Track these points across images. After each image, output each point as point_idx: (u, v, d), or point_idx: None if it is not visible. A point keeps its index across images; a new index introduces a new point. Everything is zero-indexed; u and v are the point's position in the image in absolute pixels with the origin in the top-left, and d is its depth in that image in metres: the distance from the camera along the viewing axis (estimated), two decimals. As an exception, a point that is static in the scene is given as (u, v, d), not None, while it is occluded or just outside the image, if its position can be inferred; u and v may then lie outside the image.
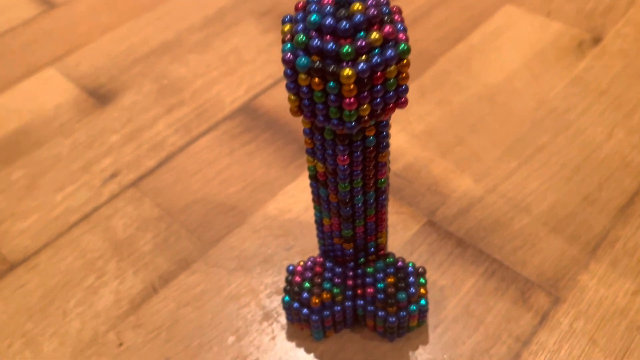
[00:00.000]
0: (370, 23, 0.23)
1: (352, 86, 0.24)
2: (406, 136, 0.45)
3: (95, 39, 0.58)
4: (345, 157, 0.28)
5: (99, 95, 0.52)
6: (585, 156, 0.43)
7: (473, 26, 0.54)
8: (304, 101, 0.25)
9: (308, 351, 0.34)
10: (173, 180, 0.45)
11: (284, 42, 0.25)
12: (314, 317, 0.33)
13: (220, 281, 0.38)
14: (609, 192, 0.41)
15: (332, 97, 0.24)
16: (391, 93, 0.25)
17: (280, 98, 0.50)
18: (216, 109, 0.50)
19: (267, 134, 0.47)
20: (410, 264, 0.34)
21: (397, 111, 0.47)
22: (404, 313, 0.32)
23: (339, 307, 0.33)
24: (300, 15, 0.25)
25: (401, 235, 0.39)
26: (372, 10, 0.23)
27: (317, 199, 0.32)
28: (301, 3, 0.25)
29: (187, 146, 0.47)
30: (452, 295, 0.36)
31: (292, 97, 0.25)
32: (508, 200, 0.41)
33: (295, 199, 0.42)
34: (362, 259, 0.34)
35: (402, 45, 0.24)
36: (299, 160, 0.45)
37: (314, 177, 0.30)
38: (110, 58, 0.56)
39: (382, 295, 0.32)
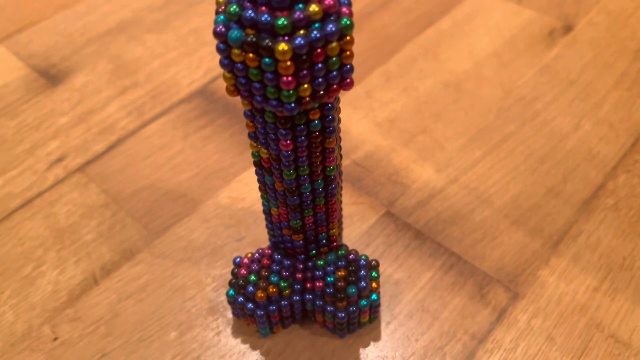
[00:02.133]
0: (309, -6, 0.21)
1: (289, 63, 0.22)
2: (368, 123, 0.44)
3: (49, 16, 0.55)
4: (288, 142, 0.26)
5: (50, 75, 0.49)
6: (552, 147, 0.42)
7: (443, 11, 0.52)
8: (240, 79, 0.23)
9: (254, 348, 0.32)
10: (122, 166, 0.42)
11: (217, 13, 0.23)
12: (259, 312, 0.31)
13: (165, 272, 0.36)
14: (574, 184, 0.39)
15: (268, 74, 0.22)
16: (334, 72, 0.23)
17: (240, 81, 0.48)
18: (172, 92, 0.47)
19: (223, 118, 0.45)
20: (363, 257, 0.32)
21: (360, 97, 0.45)
22: (354, 308, 0.31)
23: (286, 302, 0.31)
24: (235, -16, 0.22)
25: (358, 226, 0.38)
26: (312, -20, 0.21)
27: (264, 187, 0.30)
28: (237, -29, 0.23)
29: (139, 130, 0.45)
30: (408, 290, 0.34)
31: (227, 74, 0.23)
32: (470, 191, 0.39)
33: (249, 187, 0.40)
34: (313, 251, 0.32)
35: (345, 20, 0.22)
36: (255, 146, 0.43)
37: (258, 164, 0.28)
38: (63, 36, 0.53)
39: (331, 290, 0.31)
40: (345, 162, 0.41)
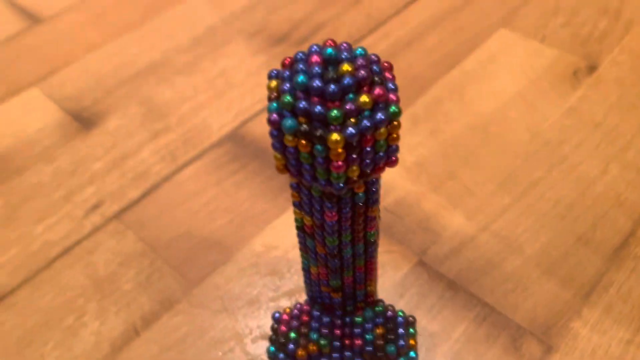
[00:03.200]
0: (359, 85, 0.22)
1: (340, 150, 0.22)
2: (397, 169, 0.44)
3: (80, 58, 0.57)
4: (334, 213, 0.26)
5: (83, 119, 0.51)
6: (580, 192, 0.42)
7: (467, 51, 0.53)
8: (291, 161, 0.24)
9: (294, 402, 0.33)
10: (157, 212, 0.43)
11: (269, 100, 0.24)
12: (300, 369, 0.32)
13: (204, 323, 0.37)
14: (603, 232, 0.40)
15: (319, 159, 0.23)
16: (381, 154, 0.24)
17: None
18: (203, 136, 0.48)
19: (255, 163, 0.46)
20: (400, 313, 0.33)
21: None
22: (393, 366, 0.31)
23: (325, 359, 0.32)
24: (287, 72, 0.23)
25: (391, 276, 0.38)
26: (361, 72, 0.22)
27: (305, 248, 0.31)
28: (288, 59, 0.24)
29: (173, 175, 0.46)
30: (443, 342, 0.35)
31: (278, 155, 0.24)
32: (501, 239, 0.40)
33: (282, 234, 0.41)
34: (350, 307, 0.33)
35: (393, 108, 0.23)
36: (287, 192, 0.44)
37: (301, 229, 0.29)
38: (95, 78, 0.54)
39: (370, 348, 0.31)
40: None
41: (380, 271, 0.38)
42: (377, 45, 0.55)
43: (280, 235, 0.41)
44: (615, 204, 0.41)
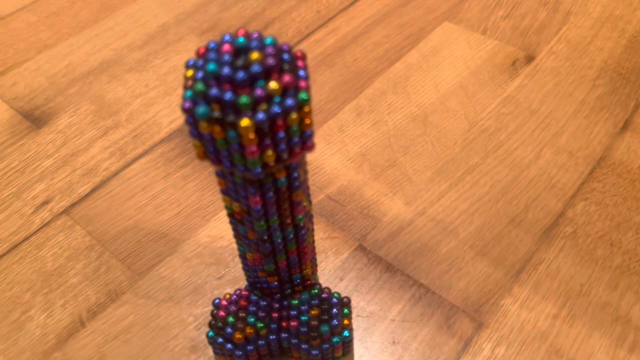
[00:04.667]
0: (268, 72, 0.23)
1: (252, 135, 0.24)
2: (341, 158, 0.46)
3: (33, 57, 0.57)
4: (258, 198, 0.28)
5: (34, 118, 0.51)
6: (514, 177, 0.44)
7: (411, 44, 0.55)
8: (209, 147, 0.25)
9: (234, 384, 0.34)
10: (106, 207, 0.44)
11: (185, 88, 0.25)
12: (238, 353, 0.33)
13: (149, 313, 0.38)
14: (535, 213, 0.42)
15: (234, 145, 0.24)
16: (296, 139, 0.25)
17: (218, 119, 0.50)
18: (153, 131, 0.49)
19: (203, 157, 0.47)
20: (335, 295, 0.34)
21: (333, 132, 0.48)
22: (327, 345, 0.33)
23: (263, 342, 0.33)
24: (201, 62, 0.24)
25: (332, 261, 0.40)
26: (270, 59, 0.23)
27: (238, 235, 0.32)
28: (202, 49, 0.25)
29: (121, 170, 0.46)
30: (379, 322, 0.36)
31: (197, 143, 0.25)
32: (437, 223, 0.41)
33: (228, 226, 0.42)
34: (288, 290, 0.34)
35: (303, 94, 0.24)
36: (234, 184, 0.45)
37: (231, 215, 0.30)
38: (47, 77, 0.55)
39: (305, 329, 0.33)
40: (319, 197, 0.43)
41: (321, 256, 0.40)
42: (325, 40, 0.56)
43: (225, 226, 0.42)
44: (547, 187, 0.43)
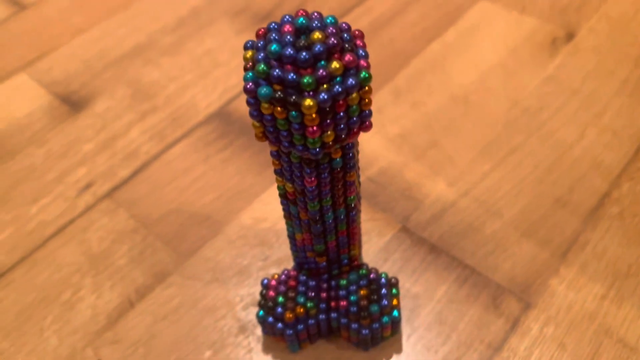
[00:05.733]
0: (330, 52, 0.23)
1: (314, 115, 0.24)
2: (381, 140, 0.46)
3: (67, 42, 0.57)
4: (313, 179, 0.28)
5: (72, 102, 0.51)
6: (557, 157, 0.43)
7: (448, 23, 0.54)
8: (268, 128, 0.25)
9: (284, 363, 0.35)
10: (148, 190, 0.44)
11: (245, 69, 0.25)
12: (289, 332, 0.33)
13: (196, 294, 0.38)
14: (580, 194, 0.41)
15: (295, 125, 0.24)
16: (355, 118, 0.25)
17: (255, 102, 0.50)
18: (190, 114, 0.49)
19: (242, 139, 0.47)
20: (383, 275, 0.34)
21: (372, 115, 0.47)
22: (377, 325, 0.33)
23: (312, 321, 0.33)
24: (262, 42, 0.24)
25: (375, 242, 0.40)
26: (332, 39, 0.23)
27: (289, 215, 0.32)
28: (262, 30, 0.25)
29: (161, 154, 0.47)
30: (426, 303, 0.37)
31: (256, 123, 0.25)
32: (480, 204, 0.41)
33: (270, 207, 0.42)
34: (336, 271, 0.35)
35: (364, 73, 0.24)
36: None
37: (283, 196, 0.30)
38: (82, 62, 0.55)
39: (355, 308, 0.33)
40: (360, 179, 0.43)
41: (364, 238, 0.40)
42: (360, 21, 0.55)
43: (268, 208, 0.42)
44: (591, 167, 0.43)
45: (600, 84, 0.48)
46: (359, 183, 0.32)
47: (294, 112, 0.24)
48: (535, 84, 0.48)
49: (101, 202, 0.44)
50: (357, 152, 0.31)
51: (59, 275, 0.40)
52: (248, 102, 0.24)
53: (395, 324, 0.34)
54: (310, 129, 0.24)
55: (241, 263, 0.39)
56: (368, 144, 0.45)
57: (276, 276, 0.35)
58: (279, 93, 0.23)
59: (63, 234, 0.42)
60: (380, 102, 0.48)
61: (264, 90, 0.23)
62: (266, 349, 0.35)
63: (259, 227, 0.41)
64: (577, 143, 0.44)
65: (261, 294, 0.34)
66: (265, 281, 0.35)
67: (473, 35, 0.53)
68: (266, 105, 0.24)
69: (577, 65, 0.49)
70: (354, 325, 0.33)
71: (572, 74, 0.49)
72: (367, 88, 0.24)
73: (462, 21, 0.54)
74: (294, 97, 0.23)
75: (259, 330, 0.36)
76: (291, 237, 0.33)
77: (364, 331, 0.33)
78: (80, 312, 0.38)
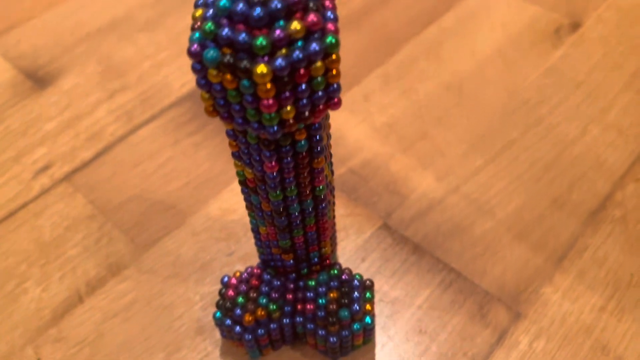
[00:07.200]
0: (290, 10, 0.20)
1: (268, 85, 0.20)
2: (366, 128, 0.42)
3: (38, 15, 0.53)
4: (273, 163, 0.24)
5: (37, 78, 0.48)
6: (557, 154, 0.40)
7: (446, 7, 0.50)
8: (218, 100, 0.22)
9: (243, 371, 0.31)
10: (110, 175, 0.41)
11: (192, 29, 0.21)
12: (248, 336, 0.30)
13: (153, 290, 0.35)
14: (580, 194, 0.37)
15: (247, 97, 0.20)
16: (320, 93, 0.21)
17: (233, 84, 0.46)
18: (162, 95, 0.46)
19: (215, 122, 0.43)
20: (357, 276, 0.30)
21: (358, 101, 0.44)
22: (347, 332, 0.29)
23: (275, 325, 0.30)
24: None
25: (353, 240, 0.36)
26: (293, -5, 0.19)
27: (250, 206, 0.28)
28: (213, -16, 0.21)
29: (128, 136, 0.43)
30: (404, 309, 0.33)
31: (205, 95, 0.22)
32: (471, 201, 0.37)
33: (240, 198, 0.39)
34: (305, 270, 0.31)
35: (330, 38, 0.20)
36: (248, 153, 0.41)
37: (243, 183, 0.27)
38: (53, 36, 0.51)
39: (322, 313, 0.29)
40: (340, 170, 0.40)
41: (341, 235, 0.36)
42: (352, 2, 0.52)
43: (238, 199, 0.39)
44: (593, 166, 0.39)
45: (606, 77, 0.44)
46: (332, 172, 0.29)
47: (245, 81, 0.20)
48: (536, 75, 0.45)
49: (58, 186, 0.40)
50: (329, 135, 0.27)
51: (4, 264, 0.36)
52: (193, 68, 0.21)
53: (368, 332, 0.30)
54: (265, 101, 0.20)
55: (204, 258, 0.36)
56: (352, 132, 0.42)
57: (238, 274, 0.31)
58: (228, 57, 0.20)
59: (13, 219, 0.39)
60: (368, 88, 0.44)
61: (210, 53, 0.20)
62: (224, 353, 0.32)
63: (226, 218, 0.38)
64: (579, 140, 0.40)
65: (220, 293, 0.31)
66: (226, 279, 0.31)
67: (472, 21, 0.49)
68: (214, 72, 0.20)
69: (582, 57, 0.46)
70: (321, 332, 0.29)
71: (576, 66, 0.45)
72: (334, 57, 0.21)
73: (460, 5, 0.50)
74: (245, 63, 0.19)
75: (218, 333, 0.32)
76: (255, 230, 0.30)
77: (331, 339, 0.29)
78: (22, 306, 0.34)
